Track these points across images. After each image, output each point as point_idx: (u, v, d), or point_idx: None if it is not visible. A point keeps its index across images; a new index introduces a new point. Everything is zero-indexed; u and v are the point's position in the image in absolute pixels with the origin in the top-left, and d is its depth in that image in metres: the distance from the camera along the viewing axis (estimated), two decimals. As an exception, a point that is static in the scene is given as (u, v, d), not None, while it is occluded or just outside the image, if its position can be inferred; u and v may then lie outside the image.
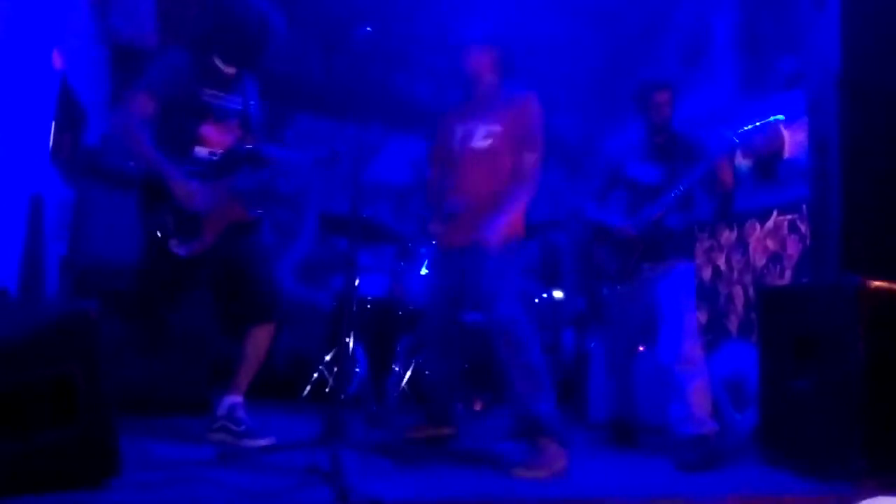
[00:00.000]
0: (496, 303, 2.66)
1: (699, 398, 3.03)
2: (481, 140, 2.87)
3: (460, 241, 2.85)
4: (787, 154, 4.33)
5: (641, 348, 3.70)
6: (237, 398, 2.70)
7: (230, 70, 2.76)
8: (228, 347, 2.97)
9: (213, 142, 2.68)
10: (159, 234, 2.58)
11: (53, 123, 3.45)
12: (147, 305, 2.71)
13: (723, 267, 4.70)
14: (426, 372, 3.89)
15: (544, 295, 4.84)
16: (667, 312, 3.15)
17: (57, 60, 3.41)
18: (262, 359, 2.76)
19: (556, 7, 5.10)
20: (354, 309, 3.94)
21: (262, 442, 2.60)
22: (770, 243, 4.34)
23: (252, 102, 2.83)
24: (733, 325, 4.53)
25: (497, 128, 2.85)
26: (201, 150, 2.67)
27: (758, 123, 3.17)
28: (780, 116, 3.28)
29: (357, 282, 4.01)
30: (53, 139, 3.46)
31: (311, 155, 2.76)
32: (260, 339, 2.74)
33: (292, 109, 5.47)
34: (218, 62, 2.74)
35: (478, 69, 2.94)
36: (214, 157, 2.69)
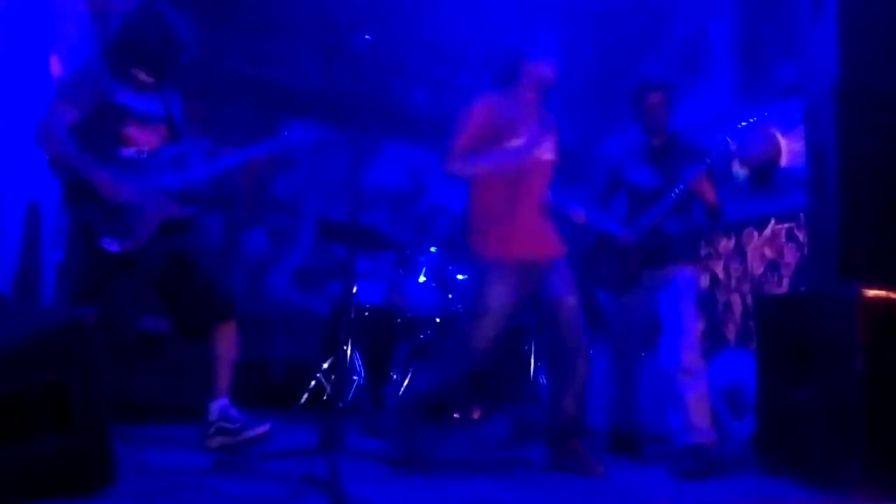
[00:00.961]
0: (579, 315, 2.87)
1: (699, 407, 3.01)
2: (550, 152, 2.93)
3: (539, 254, 2.88)
4: (784, 163, 4.34)
5: (643, 355, 3.69)
6: (224, 400, 2.68)
7: (148, 79, 2.76)
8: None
9: (139, 141, 2.67)
10: (90, 231, 2.55)
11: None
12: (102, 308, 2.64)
13: (721, 275, 4.70)
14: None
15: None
16: (668, 320, 3.13)
17: (55, 66, 3.41)
18: (235, 356, 2.73)
19: (553, 12, 5.12)
20: (352, 316, 3.93)
21: (261, 429, 2.58)
22: (768, 251, 4.34)
23: (175, 112, 2.82)
24: (731, 333, 4.53)
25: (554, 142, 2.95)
26: (128, 150, 2.65)
27: (750, 121, 3.15)
28: (753, 121, 3.27)
29: (355, 289, 4.02)
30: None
31: (243, 154, 2.76)
32: (226, 337, 2.70)
33: (289, 116, 5.47)
34: (135, 71, 2.74)
35: (551, 81, 2.93)
36: (142, 156, 2.67)
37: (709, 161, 3.11)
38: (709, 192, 3.18)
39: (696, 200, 3.23)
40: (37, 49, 3.14)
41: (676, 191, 3.14)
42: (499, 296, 2.78)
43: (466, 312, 2.93)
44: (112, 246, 2.54)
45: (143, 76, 2.74)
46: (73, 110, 2.60)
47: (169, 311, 2.82)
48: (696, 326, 3.18)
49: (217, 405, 2.67)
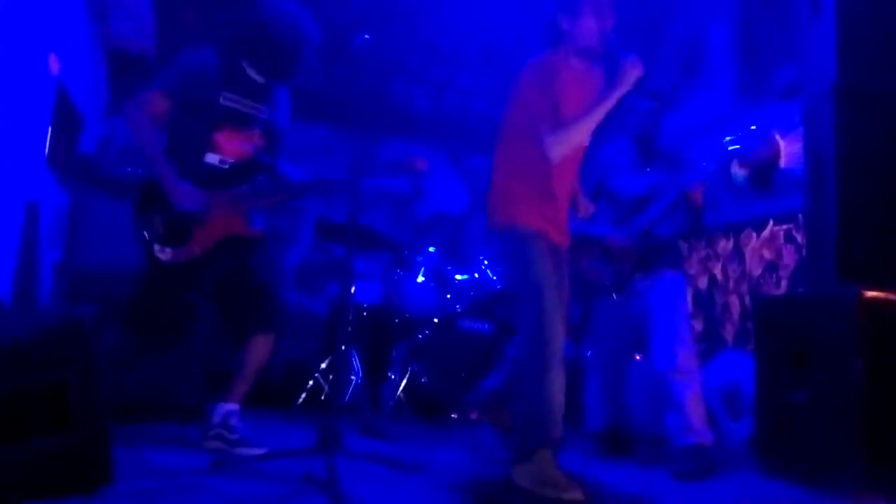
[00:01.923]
0: None
1: (694, 407, 3.04)
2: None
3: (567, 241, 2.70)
4: (783, 164, 4.34)
5: (638, 357, 3.70)
6: (233, 406, 2.68)
7: (260, 79, 2.68)
8: (223, 353, 2.95)
9: (225, 149, 2.62)
10: (146, 237, 2.53)
11: (50, 129, 3.44)
12: (141, 312, 2.62)
13: (719, 276, 4.70)
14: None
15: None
16: (660, 321, 3.15)
17: (54, 65, 3.40)
18: (262, 368, 2.73)
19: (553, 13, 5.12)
20: (351, 316, 3.93)
21: (256, 451, 2.57)
22: (766, 253, 4.35)
23: (281, 116, 2.76)
24: (729, 334, 4.53)
25: None
26: (212, 157, 2.60)
27: (753, 129, 3.19)
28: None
29: (353, 289, 4.01)
30: (50, 145, 3.45)
31: (320, 180, 2.71)
32: (259, 348, 2.69)
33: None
34: (249, 69, 2.66)
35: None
36: (224, 166, 2.62)
37: (708, 166, 3.13)
38: (698, 199, 3.21)
39: (684, 207, 3.25)
40: (35, 48, 3.14)
41: (671, 196, 3.15)
42: (546, 272, 2.44)
43: (517, 305, 2.50)
44: (164, 255, 2.52)
45: (254, 75, 2.66)
46: (164, 99, 2.53)
47: (217, 309, 2.79)
48: (689, 327, 3.22)
49: (224, 409, 2.66)
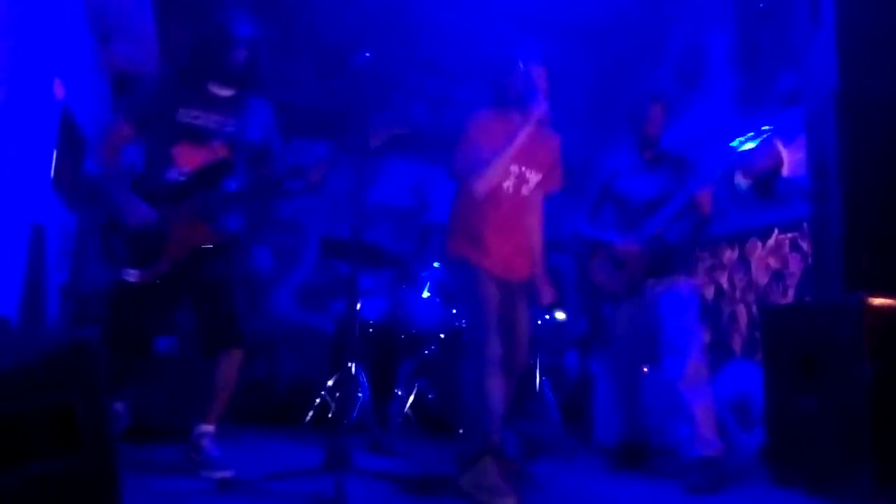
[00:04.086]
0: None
1: (705, 418, 3.00)
2: (530, 190, 2.90)
3: (515, 276, 2.88)
4: (785, 172, 4.34)
5: (645, 369, 3.67)
6: (206, 428, 2.63)
7: (225, 92, 2.71)
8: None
9: (183, 163, 2.63)
10: (111, 262, 2.54)
11: (55, 152, 3.47)
12: (119, 334, 2.58)
13: (725, 286, 4.68)
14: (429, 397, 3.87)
15: (546, 317, 4.83)
16: (671, 330, 3.12)
17: (59, 90, 3.43)
18: (231, 385, 2.68)
19: (551, 27, 5.15)
20: (357, 333, 3.93)
21: (219, 474, 2.50)
22: (772, 261, 4.33)
23: (254, 129, 2.76)
24: (737, 344, 4.51)
25: (540, 176, 2.92)
26: (173, 172, 2.62)
27: (751, 135, 3.18)
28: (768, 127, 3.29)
29: (359, 306, 4.01)
30: (55, 168, 3.48)
31: (285, 170, 2.72)
32: (227, 365, 2.66)
33: (288, 134, 5.50)
34: (212, 85, 2.70)
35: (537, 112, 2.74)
36: (182, 178, 2.63)
37: (718, 171, 3.10)
38: (707, 205, 3.19)
39: (691, 212, 3.22)
40: (40, 72, 3.16)
41: (681, 201, 3.13)
42: (481, 295, 2.72)
43: (468, 323, 2.86)
44: (130, 276, 2.53)
45: (218, 90, 2.70)
46: (127, 126, 2.63)
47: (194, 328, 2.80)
48: (700, 337, 3.18)
49: (198, 430, 2.63)
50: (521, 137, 2.68)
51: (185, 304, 2.75)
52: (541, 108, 2.69)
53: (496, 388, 2.57)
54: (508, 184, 2.83)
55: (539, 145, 2.86)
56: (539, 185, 2.92)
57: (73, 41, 3.79)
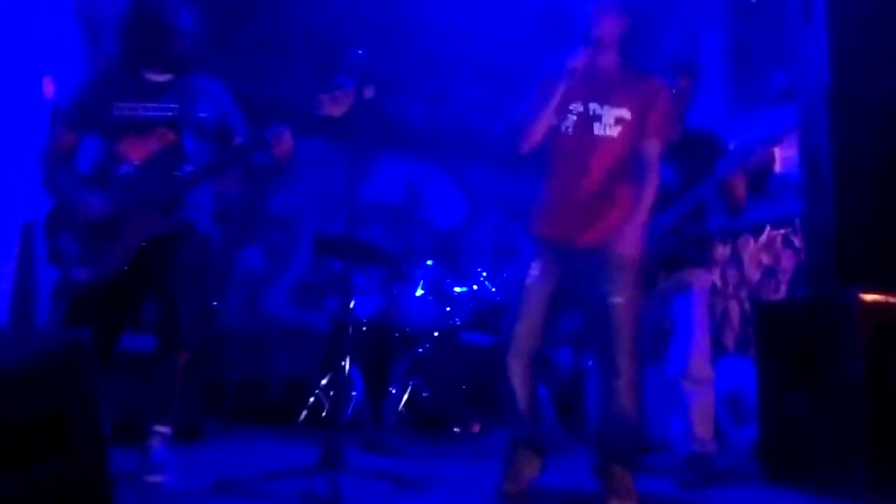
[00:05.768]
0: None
1: (702, 416, 2.96)
2: (610, 128, 2.47)
3: (582, 240, 2.46)
4: (777, 169, 4.35)
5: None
6: (160, 427, 2.51)
7: (161, 78, 2.63)
8: (221, 373, 2.92)
9: (131, 157, 2.54)
10: (59, 261, 2.46)
11: (45, 151, 3.44)
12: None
13: (718, 282, 4.70)
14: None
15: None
16: (679, 327, 3.03)
17: (48, 89, 3.41)
18: (178, 387, 2.54)
19: (545, 24, 5.14)
20: (350, 331, 3.92)
21: (153, 478, 2.38)
22: (764, 258, 4.35)
23: (203, 103, 2.65)
24: (730, 340, 4.52)
25: (627, 114, 2.48)
26: (123, 167, 2.54)
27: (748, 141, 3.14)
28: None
29: (352, 304, 4.01)
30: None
31: (241, 145, 2.63)
32: (168, 367, 2.52)
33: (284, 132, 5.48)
34: (146, 73, 2.62)
35: (606, 40, 2.54)
36: (131, 170, 2.54)
37: (749, 154, 2.83)
38: (740, 188, 2.92)
39: (721, 195, 2.96)
40: (30, 71, 3.14)
41: (701, 191, 2.92)
42: (532, 271, 2.46)
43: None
44: (81, 275, 2.43)
45: (155, 76, 2.62)
46: (69, 133, 2.58)
47: None
48: (707, 334, 3.05)
49: (151, 430, 2.51)
50: (553, 89, 2.38)
51: (149, 299, 2.59)
52: (576, 60, 2.38)
53: (517, 372, 2.43)
54: (568, 124, 2.46)
55: (625, 83, 2.54)
56: (629, 126, 2.45)
57: (63, 40, 3.77)
